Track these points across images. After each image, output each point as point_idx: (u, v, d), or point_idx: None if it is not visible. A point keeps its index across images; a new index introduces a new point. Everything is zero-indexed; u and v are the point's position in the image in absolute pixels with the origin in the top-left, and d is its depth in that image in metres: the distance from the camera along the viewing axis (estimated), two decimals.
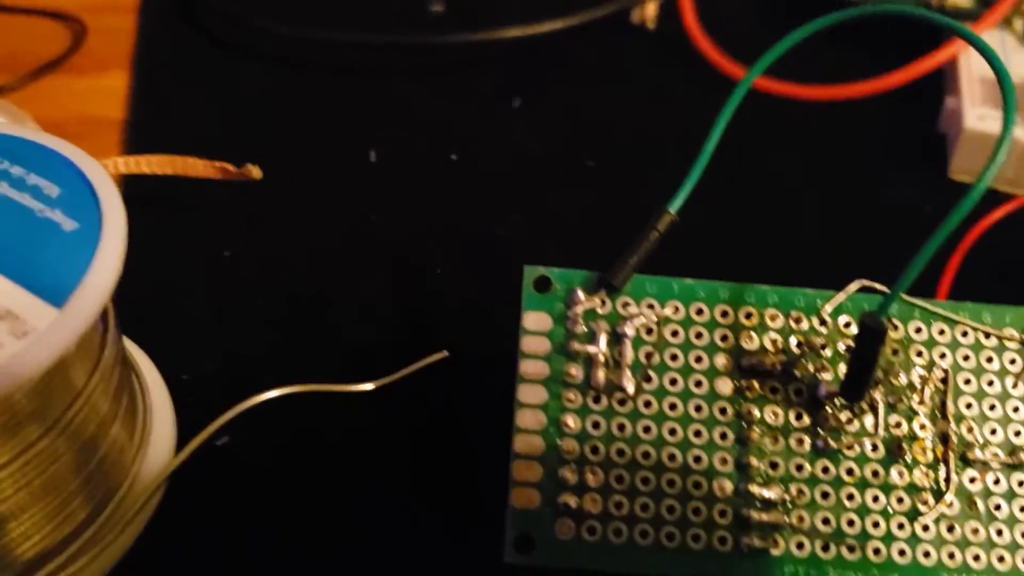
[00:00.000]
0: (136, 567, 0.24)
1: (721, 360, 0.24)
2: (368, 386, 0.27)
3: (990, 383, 0.24)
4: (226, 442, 0.26)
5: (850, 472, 0.24)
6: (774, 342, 0.24)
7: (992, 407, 0.24)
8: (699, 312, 0.24)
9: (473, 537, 0.25)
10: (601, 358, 0.23)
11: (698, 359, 0.24)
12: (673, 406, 0.24)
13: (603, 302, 0.24)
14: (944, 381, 0.24)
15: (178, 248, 0.31)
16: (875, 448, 0.24)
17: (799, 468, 0.23)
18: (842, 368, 0.24)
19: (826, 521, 0.23)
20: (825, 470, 0.24)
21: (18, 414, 0.20)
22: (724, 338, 0.24)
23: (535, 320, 0.24)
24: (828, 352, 0.24)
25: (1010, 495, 0.23)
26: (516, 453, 0.23)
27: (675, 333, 0.24)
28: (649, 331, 0.24)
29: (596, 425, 0.23)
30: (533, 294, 0.24)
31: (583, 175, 0.33)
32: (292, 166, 0.32)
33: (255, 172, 0.30)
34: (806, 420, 0.24)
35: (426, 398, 0.27)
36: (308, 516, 0.25)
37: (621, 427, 0.23)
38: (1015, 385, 0.24)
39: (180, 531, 0.24)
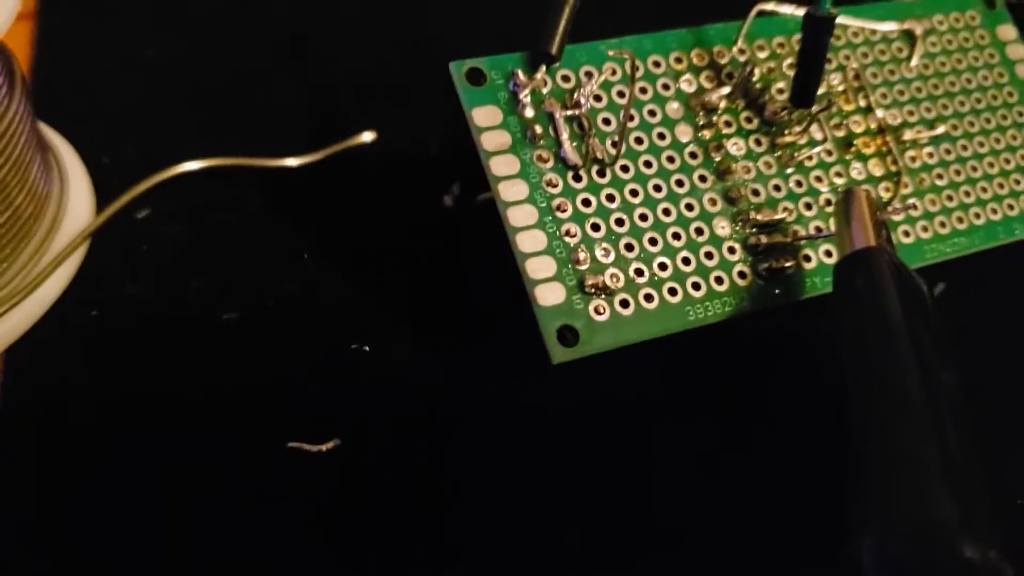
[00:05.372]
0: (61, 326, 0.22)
1: (673, 106, 0.23)
2: (292, 162, 0.25)
3: (891, 72, 0.25)
4: (147, 215, 0.24)
5: (819, 179, 0.24)
6: (717, 74, 0.23)
7: (901, 92, 0.25)
8: (654, 63, 0.23)
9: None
10: (565, 134, 0.22)
11: (651, 112, 0.23)
12: (648, 163, 0.22)
13: (544, 81, 0.22)
14: (857, 77, 0.25)
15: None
16: (830, 153, 0.24)
17: (777, 188, 0.23)
18: (780, 85, 0.24)
19: (819, 229, 0.23)
20: (799, 183, 0.23)
21: None
22: (666, 87, 0.23)
23: (484, 115, 0.21)
24: (760, 71, 0.24)
25: (943, 163, 0.25)
26: (523, 252, 0.21)
27: (620, 94, 0.23)
28: (598, 98, 0.22)
29: (587, 203, 0.22)
30: (470, 88, 0.21)
31: None
32: None
33: None
34: (764, 143, 0.23)
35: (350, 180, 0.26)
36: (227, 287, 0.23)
37: (611, 197, 0.22)
38: (909, 67, 0.25)
39: (100, 296, 0.23)
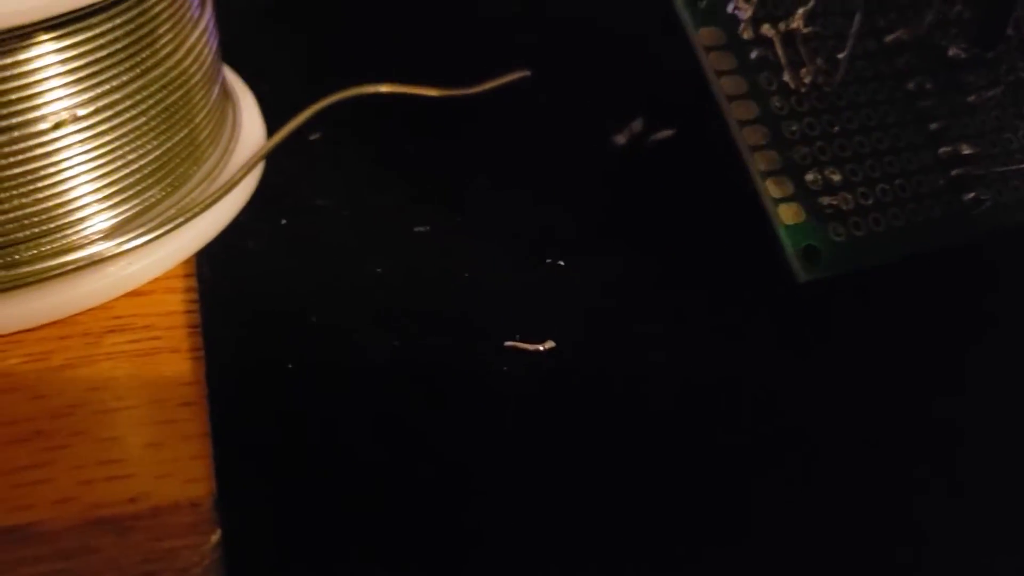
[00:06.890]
0: (236, 245, 0.21)
1: (870, 42, 0.23)
2: (449, 92, 0.25)
3: None
4: (319, 138, 0.24)
5: (998, 118, 0.24)
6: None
7: None
8: None
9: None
10: (784, 60, 0.21)
11: (854, 46, 0.23)
12: (858, 93, 0.22)
13: (760, 4, 0.22)
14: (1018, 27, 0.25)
15: None
16: (1006, 95, 0.24)
17: (966, 126, 0.23)
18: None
19: (1006, 164, 0.23)
20: (983, 122, 0.24)
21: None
22: (863, 24, 0.23)
23: (710, 35, 0.21)
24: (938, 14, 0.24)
25: None
26: (761, 171, 0.20)
27: (824, 25, 0.23)
28: (807, 23, 0.22)
29: (811, 127, 0.21)
30: (692, 8, 0.21)
31: None
32: None
33: None
34: (951, 82, 0.24)
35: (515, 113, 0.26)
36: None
37: (831, 123, 0.22)
38: None
39: (288, 208, 0.22)
